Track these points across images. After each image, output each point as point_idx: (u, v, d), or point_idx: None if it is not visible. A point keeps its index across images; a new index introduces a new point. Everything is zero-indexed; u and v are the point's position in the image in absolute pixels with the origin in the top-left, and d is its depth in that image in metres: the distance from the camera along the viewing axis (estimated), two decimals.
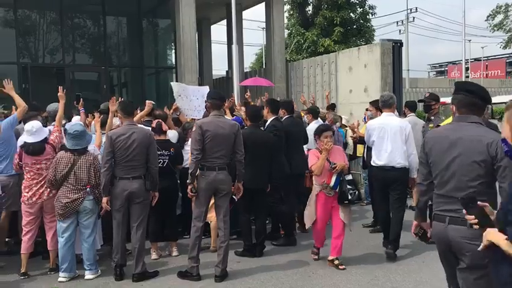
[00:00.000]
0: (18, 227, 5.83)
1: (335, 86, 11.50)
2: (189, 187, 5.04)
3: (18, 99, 5.87)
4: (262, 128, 6.37)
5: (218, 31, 24.18)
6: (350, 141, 8.44)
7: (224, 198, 5.18)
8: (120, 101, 6.08)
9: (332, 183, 5.36)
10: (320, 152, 5.44)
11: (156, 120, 6.15)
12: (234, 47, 11.64)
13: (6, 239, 6.17)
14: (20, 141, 5.50)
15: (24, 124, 5.54)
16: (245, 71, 19.38)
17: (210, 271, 5.24)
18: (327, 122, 7.60)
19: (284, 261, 5.74)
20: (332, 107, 9.81)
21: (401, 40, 10.55)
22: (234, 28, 11.82)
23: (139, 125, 5.61)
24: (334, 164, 5.35)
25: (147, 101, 6.63)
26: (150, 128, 5.83)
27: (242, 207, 5.92)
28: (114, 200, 5.14)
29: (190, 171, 5.01)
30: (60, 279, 5.15)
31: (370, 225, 7.20)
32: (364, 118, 8.47)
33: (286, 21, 23.35)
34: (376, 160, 5.84)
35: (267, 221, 6.62)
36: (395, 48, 9.99)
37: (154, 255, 5.93)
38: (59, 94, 5.80)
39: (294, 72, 13.68)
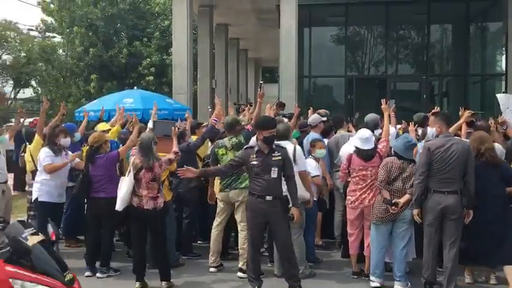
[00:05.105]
0: None
1: None
2: None
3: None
4: None
5: None
6: None
7: None
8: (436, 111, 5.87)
9: None
10: None
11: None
12: None
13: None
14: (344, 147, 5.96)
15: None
16: None
17: None
18: None
19: None
20: None
21: None
22: None
23: (456, 137, 5.28)
24: None
25: (466, 111, 6.22)
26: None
27: None
28: (427, 213, 4.97)
29: None
30: (371, 283, 5.29)
31: None
32: None
33: None
34: None
35: None
36: None
37: (468, 279, 5.43)
38: (382, 107, 5.98)
39: None
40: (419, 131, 6.46)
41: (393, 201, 5.07)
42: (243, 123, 6.19)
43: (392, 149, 5.37)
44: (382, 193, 5.19)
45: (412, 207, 5.07)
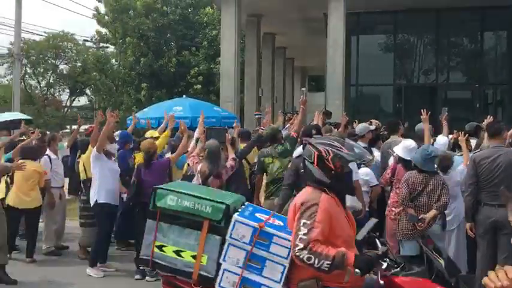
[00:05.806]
0: None
1: None
2: None
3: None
4: None
5: None
6: None
7: None
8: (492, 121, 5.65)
9: None
10: None
11: None
12: None
13: None
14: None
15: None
16: None
17: None
18: None
19: None
20: None
21: None
22: None
23: (505, 147, 5.06)
24: None
25: None
26: None
27: None
28: (478, 227, 4.82)
29: None
30: None
31: None
32: None
33: None
34: None
35: None
36: None
37: None
38: (422, 117, 5.86)
39: None
40: (473, 141, 6.26)
41: (419, 217, 4.76)
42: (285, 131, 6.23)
43: (412, 162, 4.98)
44: (407, 210, 4.89)
45: (439, 221, 4.90)
